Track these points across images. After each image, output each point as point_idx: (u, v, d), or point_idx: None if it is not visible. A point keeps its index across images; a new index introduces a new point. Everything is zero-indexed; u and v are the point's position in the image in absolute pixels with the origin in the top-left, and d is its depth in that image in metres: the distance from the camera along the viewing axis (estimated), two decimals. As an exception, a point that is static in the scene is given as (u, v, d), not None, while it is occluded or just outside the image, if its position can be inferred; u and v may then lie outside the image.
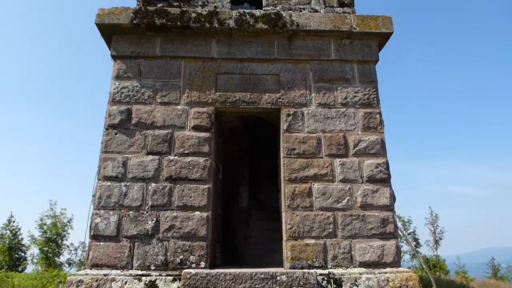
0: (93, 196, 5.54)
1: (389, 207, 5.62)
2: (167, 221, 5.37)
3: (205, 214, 5.46)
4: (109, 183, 5.52)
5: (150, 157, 5.65)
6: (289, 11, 6.44)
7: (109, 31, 6.18)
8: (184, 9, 6.23)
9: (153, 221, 5.37)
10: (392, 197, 5.68)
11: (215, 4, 6.65)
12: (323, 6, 6.75)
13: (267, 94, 6.04)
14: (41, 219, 18.97)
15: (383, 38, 6.45)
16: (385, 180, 5.74)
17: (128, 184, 5.52)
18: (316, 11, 6.68)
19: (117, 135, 5.74)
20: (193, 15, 6.12)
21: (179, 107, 5.92)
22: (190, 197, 5.51)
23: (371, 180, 5.71)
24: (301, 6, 6.72)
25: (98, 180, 5.56)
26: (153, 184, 5.53)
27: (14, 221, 19.77)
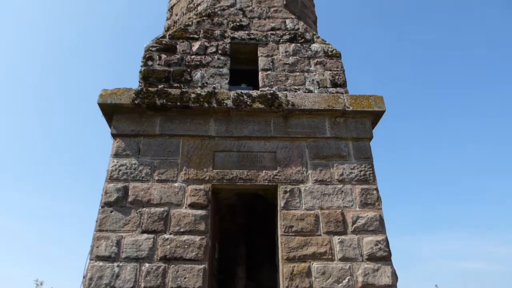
0: (83, 277, 5.32)
1: (392, 287, 5.41)
2: (160, 304, 5.11)
3: (200, 296, 5.21)
4: (101, 263, 5.34)
5: (145, 235, 5.53)
6: (285, 92, 6.71)
7: (110, 110, 6.37)
8: (184, 90, 6.49)
9: (146, 304, 5.10)
10: (394, 276, 5.49)
11: (214, 85, 6.95)
12: (317, 87, 7.06)
13: (264, 171, 6.08)
14: (27, 302, 18.09)
15: (376, 116, 6.66)
16: (386, 258, 5.58)
17: (121, 264, 5.34)
18: (310, 91, 6.97)
19: (113, 213, 5.67)
20: (193, 95, 6.36)
21: (176, 184, 5.92)
22: (185, 278, 5.30)
23: (372, 258, 5.55)
24: (296, 87, 7.03)
25: (90, 260, 5.39)
26: (147, 265, 5.35)
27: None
